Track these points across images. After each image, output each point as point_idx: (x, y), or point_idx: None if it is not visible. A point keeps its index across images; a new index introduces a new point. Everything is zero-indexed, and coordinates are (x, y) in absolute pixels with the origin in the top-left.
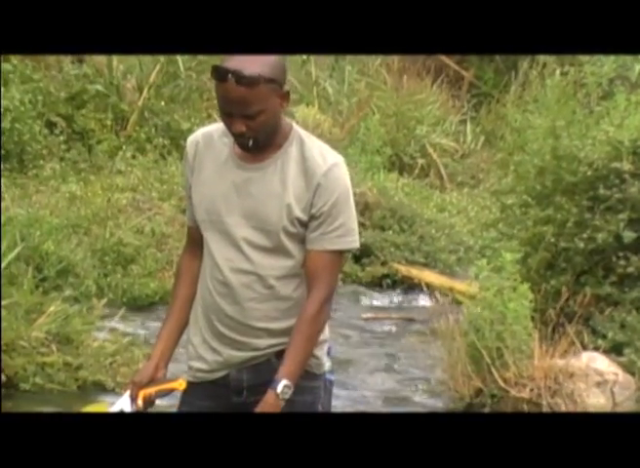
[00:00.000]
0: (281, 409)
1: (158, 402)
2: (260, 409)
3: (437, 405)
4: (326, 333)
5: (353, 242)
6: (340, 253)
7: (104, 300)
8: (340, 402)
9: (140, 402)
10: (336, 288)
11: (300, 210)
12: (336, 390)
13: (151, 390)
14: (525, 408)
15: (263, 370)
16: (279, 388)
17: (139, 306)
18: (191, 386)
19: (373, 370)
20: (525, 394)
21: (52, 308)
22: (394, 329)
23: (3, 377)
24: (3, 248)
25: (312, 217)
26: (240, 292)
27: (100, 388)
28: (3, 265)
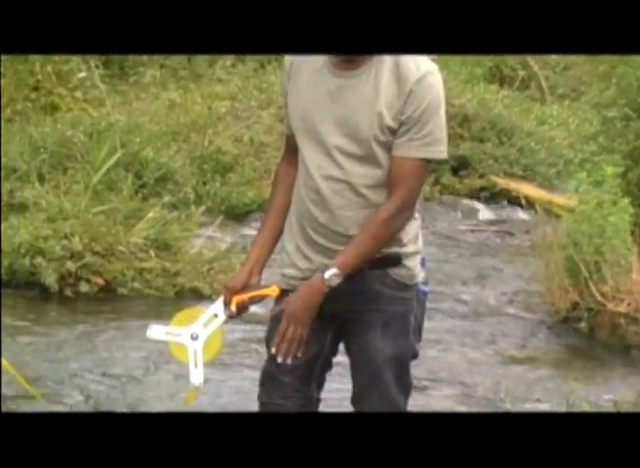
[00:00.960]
0: (371, 318)
1: (253, 308)
2: (304, 288)
3: (533, 318)
4: (419, 244)
5: (440, 152)
6: (426, 162)
7: (203, 208)
8: (435, 313)
9: (233, 307)
10: (416, 198)
11: (391, 118)
12: (430, 302)
13: (244, 296)
14: (622, 322)
15: (355, 280)
16: (327, 274)
17: (236, 215)
18: (284, 293)
19: (468, 282)
20: (622, 308)
21: (150, 214)
22: (492, 241)
23: (101, 281)
24: (103, 154)
25: (401, 124)
26: (331, 199)
27: (197, 295)
28: (103, 171)
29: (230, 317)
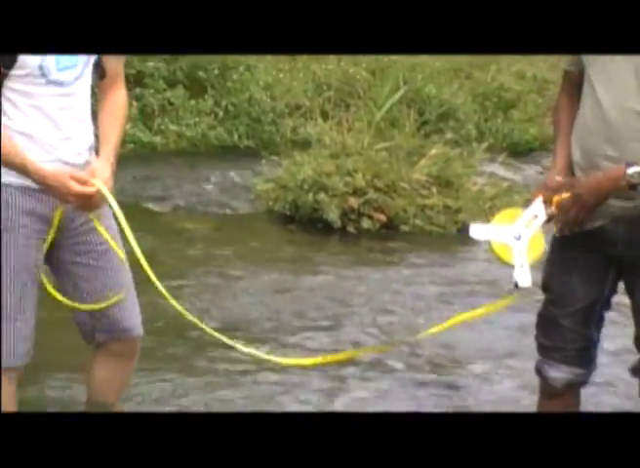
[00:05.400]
0: None
1: None
2: (602, 174)
3: None
4: None
5: None
6: None
7: (485, 145)
8: None
9: (553, 207)
10: None
11: None
12: None
13: (564, 195)
14: None
15: (638, 227)
16: (630, 169)
17: (518, 152)
18: None
19: None
20: None
21: (433, 151)
22: None
23: (383, 218)
24: (386, 91)
25: None
26: (622, 131)
27: None
28: (386, 108)
29: (550, 217)
